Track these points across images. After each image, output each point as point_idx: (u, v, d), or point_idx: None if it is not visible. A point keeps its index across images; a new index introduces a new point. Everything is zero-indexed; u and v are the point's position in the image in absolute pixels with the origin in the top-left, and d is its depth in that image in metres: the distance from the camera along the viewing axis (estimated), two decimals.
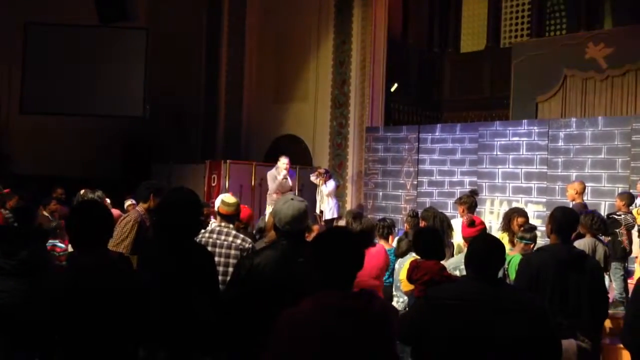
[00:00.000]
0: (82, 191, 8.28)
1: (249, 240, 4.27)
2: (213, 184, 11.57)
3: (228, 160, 11.80)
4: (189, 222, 3.20)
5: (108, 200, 8.14)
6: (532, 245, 4.97)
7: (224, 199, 4.42)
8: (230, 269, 3.99)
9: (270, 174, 9.52)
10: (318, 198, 10.45)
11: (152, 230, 4.56)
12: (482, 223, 4.72)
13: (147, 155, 13.32)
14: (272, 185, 9.44)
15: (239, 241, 4.16)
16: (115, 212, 5.36)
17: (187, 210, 3.17)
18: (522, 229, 5.34)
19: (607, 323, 5.87)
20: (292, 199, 3.13)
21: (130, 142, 13.65)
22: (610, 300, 5.52)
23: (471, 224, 4.48)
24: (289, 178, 9.43)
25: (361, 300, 2.29)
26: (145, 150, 13.45)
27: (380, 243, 5.33)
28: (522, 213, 5.83)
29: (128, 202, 8.93)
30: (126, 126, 13.19)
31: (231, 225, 4.26)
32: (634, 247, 7.27)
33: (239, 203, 4.52)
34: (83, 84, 11.74)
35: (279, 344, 2.23)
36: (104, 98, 11.87)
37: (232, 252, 4.11)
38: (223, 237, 4.16)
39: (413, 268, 3.68)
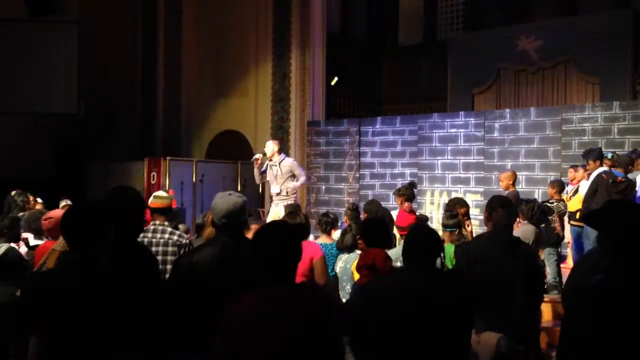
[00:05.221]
0: (13, 192, 7.98)
1: (186, 236, 4.24)
2: (152, 182, 11.35)
3: (168, 157, 11.60)
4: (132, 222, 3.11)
5: (40, 200, 7.91)
6: (456, 232, 5.03)
7: (155, 194, 4.39)
8: (169, 267, 3.92)
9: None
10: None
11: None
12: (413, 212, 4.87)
13: (82, 154, 12.91)
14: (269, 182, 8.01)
15: (175, 237, 4.12)
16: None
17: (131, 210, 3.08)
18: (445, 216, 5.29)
19: (545, 306, 6.09)
20: (229, 194, 3.11)
21: (63, 140, 13.16)
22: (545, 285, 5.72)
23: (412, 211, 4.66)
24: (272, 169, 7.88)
25: (304, 292, 2.29)
26: (80, 149, 13.02)
27: (323, 237, 5.33)
28: (463, 203, 5.95)
29: (63, 203, 8.67)
30: (59, 124, 12.72)
31: (166, 223, 4.20)
32: (566, 233, 7.58)
33: (172, 197, 4.48)
34: (13, 80, 11.29)
35: (223, 339, 2.20)
36: (35, 95, 11.44)
37: (170, 249, 4.06)
38: (159, 235, 4.10)
39: (361, 257, 3.73)
